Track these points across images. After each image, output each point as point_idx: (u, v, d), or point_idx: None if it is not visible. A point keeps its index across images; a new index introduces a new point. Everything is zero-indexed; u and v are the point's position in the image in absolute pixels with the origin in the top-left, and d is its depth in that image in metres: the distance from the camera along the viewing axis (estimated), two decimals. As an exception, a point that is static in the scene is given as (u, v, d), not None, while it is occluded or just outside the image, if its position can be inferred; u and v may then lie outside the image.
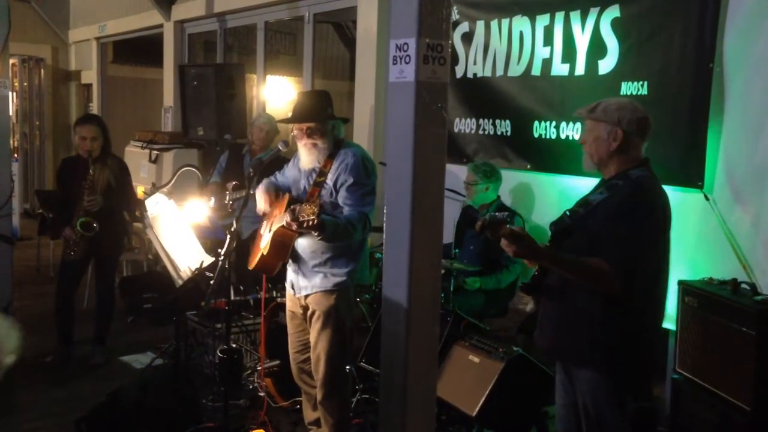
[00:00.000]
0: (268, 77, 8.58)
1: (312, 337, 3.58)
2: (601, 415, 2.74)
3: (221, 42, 8.81)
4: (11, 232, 5.51)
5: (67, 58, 12.32)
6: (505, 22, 4.97)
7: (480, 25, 5.19)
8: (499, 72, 5.04)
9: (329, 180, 3.48)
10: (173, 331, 4.21)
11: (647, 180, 2.71)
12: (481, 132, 5.23)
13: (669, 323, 3.47)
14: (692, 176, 3.78)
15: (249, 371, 4.47)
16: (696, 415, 3.41)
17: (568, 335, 2.77)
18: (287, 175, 3.76)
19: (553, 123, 4.64)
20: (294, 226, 3.17)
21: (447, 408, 3.83)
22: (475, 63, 5.25)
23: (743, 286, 3.32)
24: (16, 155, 10.65)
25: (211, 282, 3.53)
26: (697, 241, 3.81)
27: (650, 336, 2.76)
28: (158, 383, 4.05)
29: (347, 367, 3.69)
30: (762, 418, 3.04)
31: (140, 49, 11.18)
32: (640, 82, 4.07)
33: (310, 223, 3.08)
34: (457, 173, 5.07)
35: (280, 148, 3.77)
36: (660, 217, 2.68)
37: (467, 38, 5.30)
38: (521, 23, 4.84)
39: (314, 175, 3.55)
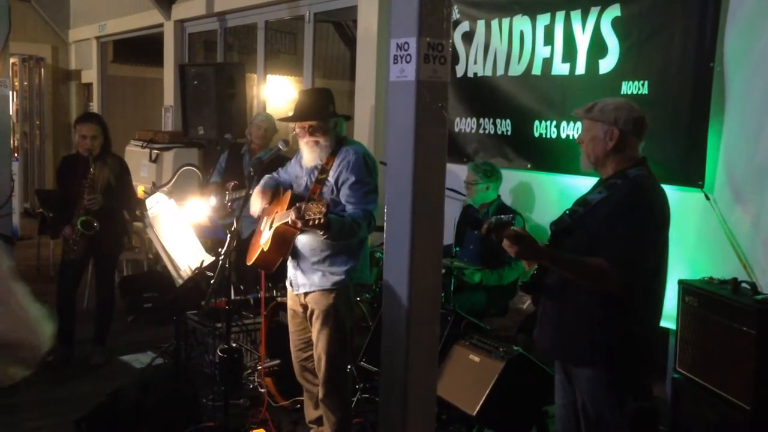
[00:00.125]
0: (269, 77, 8.56)
1: (313, 337, 3.58)
2: (600, 414, 2.74)
3: (221, 41, 8.79)
4: (11, 231, 5.52)
5: (68, 57, 12.30)
6: (505, 21, 4.97)
7: (480, 24, 5.19)
8: (500, 71, 5.04)
9: (331, 177, 3.47)
10: (173, 331, 4.21)
11: (645, 179, 2.71)
12: (481, 131, 5.23)
13: (669, 322, 3.47)
14: (692, 176, 3.78)
15: (249, 371, 4.47)
16: (696, 414, 3.41)
17: (568, 335, 2.78)
18: (289, 171, 3.76)
19: (554, 122, 4.64)
20: (300, 224, 3.15)
21: (447, 407, 3.83)
22: (475, 62, 5.25)
23: (743, 285, 3.32)
24: (16, 155, 10.65)
25: (212, 281, 3.52)
26: (697, 241, 3.81)
27: (650, 335, 2.76)
28: (158, 383, 4.04)
29: (348, 366, 3.69)
30: (762, 418, 3.05)
31: (140, 49, 11.16)
32: (641, 82, 4.07)
33: (317, 221, 3.06)
34: (457, 173, 5.07)
35: (280, 147, 3.76)
36: (659, 216, 2.69)
37: (468, 38, 5.30)
38: (522, 23, 4.84)
39: (316, 173, 3.54)
